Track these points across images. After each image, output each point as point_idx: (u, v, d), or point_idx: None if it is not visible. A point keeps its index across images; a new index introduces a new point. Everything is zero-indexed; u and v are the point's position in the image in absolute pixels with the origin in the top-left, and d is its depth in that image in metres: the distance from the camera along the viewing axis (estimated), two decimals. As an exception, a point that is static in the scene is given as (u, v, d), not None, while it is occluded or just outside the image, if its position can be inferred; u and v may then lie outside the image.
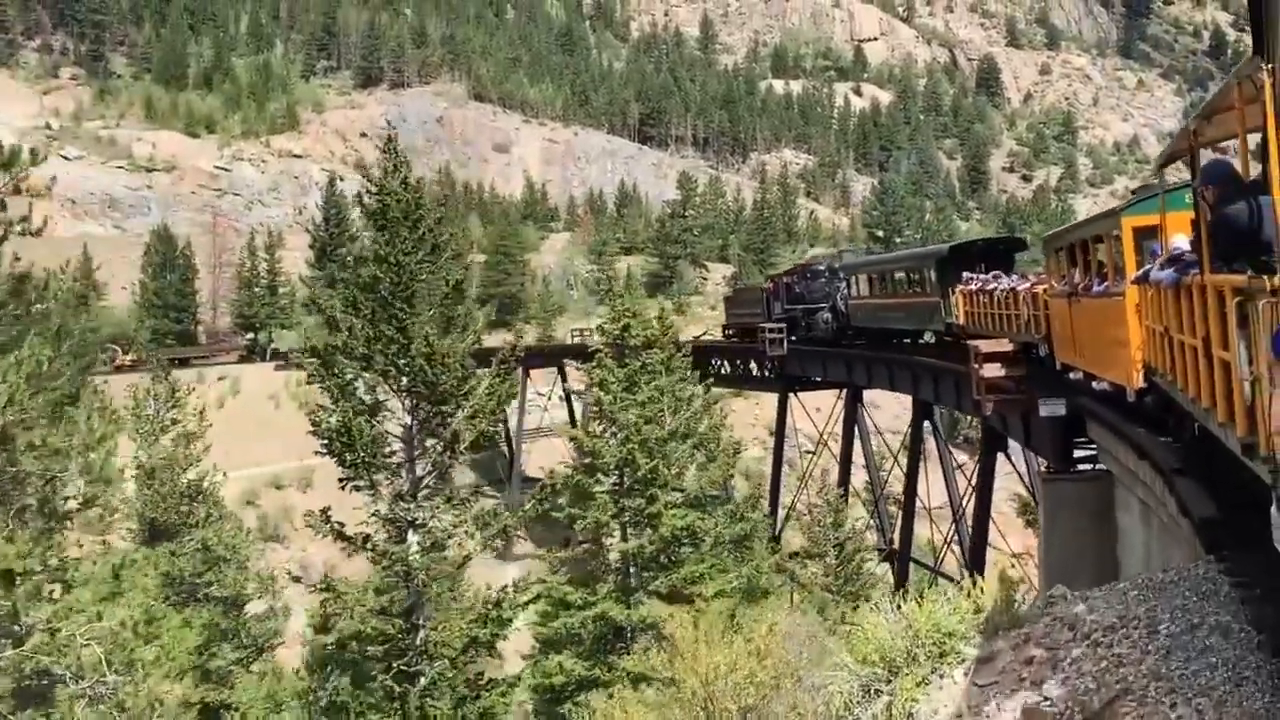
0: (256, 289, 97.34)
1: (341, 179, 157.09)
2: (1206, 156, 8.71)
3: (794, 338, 43.86)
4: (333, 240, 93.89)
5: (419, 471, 19.47)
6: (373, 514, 19.16)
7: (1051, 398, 18.44)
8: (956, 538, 34.07)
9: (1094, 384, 16.23)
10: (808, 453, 57.47)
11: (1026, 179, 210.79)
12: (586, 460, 23.02)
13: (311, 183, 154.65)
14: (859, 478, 52.77)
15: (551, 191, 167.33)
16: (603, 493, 22.54)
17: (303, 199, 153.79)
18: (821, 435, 45.73)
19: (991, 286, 23.66)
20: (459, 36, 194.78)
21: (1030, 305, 19.84)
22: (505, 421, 73.84)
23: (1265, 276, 6.00)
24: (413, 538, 18.99)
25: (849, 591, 32.77)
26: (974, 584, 9.97)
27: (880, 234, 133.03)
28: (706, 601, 20.92)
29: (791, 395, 45.38)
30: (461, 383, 19.61)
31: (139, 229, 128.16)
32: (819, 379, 41.06)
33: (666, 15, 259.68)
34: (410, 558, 18.80)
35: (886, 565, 40.80)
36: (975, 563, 26.24)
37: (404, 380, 19.23)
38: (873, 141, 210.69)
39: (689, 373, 25.90)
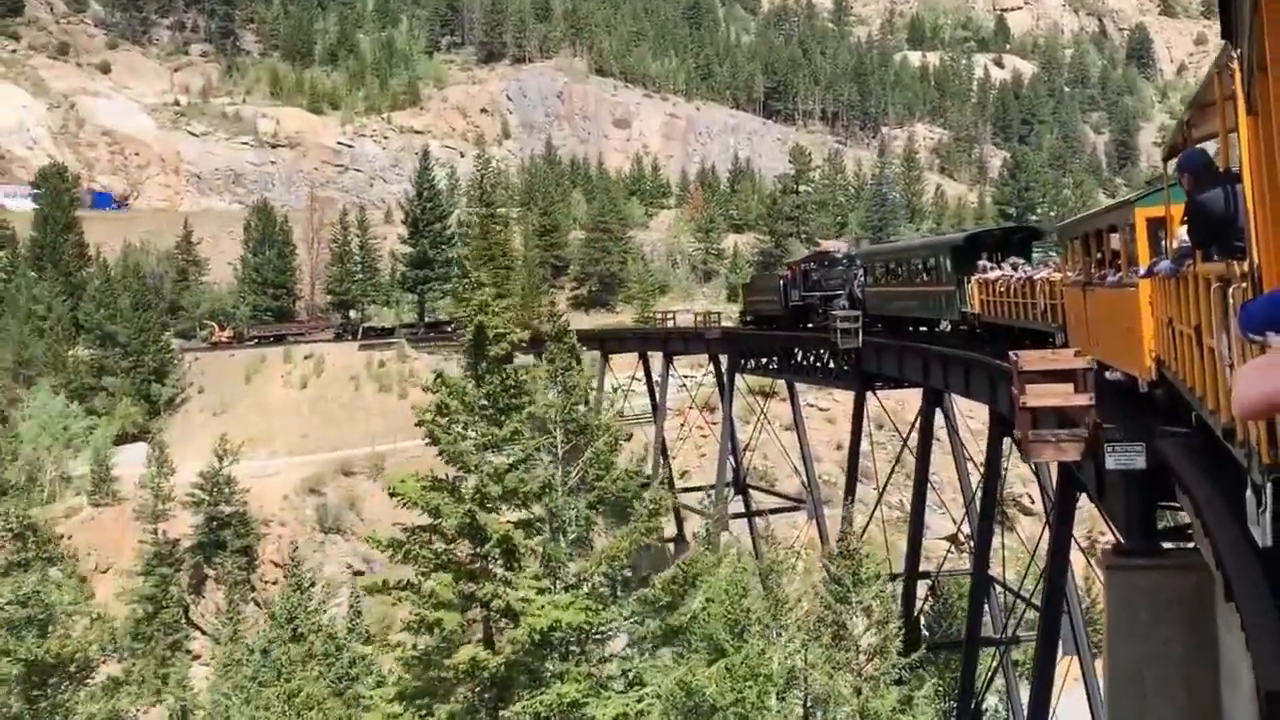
0: (350, 265, 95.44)
1: (461, 155, 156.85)
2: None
3: (809, 325, 43.28)
4: (424, 215, 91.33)
5: None
6: None
7: (1125, 442, 12.19)
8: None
9: (1107, 374, 14.76)
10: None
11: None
12: (425, 521, 16.31)
13: (431, 159, 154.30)
14: (950, 492, 47.62)
15: (672, 167, 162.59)
16: (443, 574, 16.07)
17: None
18: (904, 441, 40.59)
19: (1008, 275, 23.10)
20: (582, 11, 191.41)
21: (1046, 294, 18.97)
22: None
23: (1236, 262, 6.13)
24: None
25: (872, 677, 23.26)
26: None
27: (1012, 211, 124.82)
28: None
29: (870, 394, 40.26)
30: None
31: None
32: (894, 376, 36.05)
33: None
34: None
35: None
36: (1044, 669, 20.62)
37: None
38: (1013, 115, 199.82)
39: (588, 391, 19.33)
